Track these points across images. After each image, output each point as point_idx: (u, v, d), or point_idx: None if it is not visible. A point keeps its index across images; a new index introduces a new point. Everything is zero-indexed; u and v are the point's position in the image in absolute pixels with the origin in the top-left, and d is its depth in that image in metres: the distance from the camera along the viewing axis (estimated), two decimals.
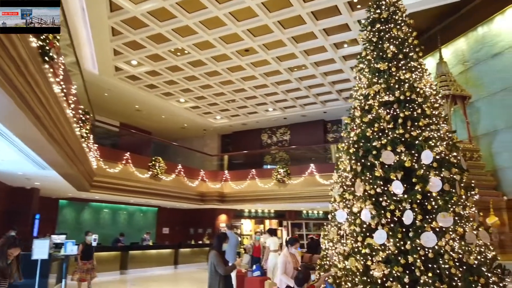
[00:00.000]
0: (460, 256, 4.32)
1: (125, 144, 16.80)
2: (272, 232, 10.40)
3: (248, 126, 20.17)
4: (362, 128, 5.40)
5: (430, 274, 4.24)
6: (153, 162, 14.37)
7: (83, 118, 8.58)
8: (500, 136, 9.01)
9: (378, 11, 6.00)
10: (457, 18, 10.20)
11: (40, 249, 7.11)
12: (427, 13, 9.62)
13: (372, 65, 5.71)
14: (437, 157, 4.78)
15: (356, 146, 5.38)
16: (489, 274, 4.43)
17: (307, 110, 17.42)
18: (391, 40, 5.71)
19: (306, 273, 4.71)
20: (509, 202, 7.91)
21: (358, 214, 4.99)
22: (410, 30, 5.90)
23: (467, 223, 4.67)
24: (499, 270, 4.68)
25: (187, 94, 15.52)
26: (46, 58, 4.53)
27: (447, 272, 4.22)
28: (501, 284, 4.52)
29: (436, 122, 5.22)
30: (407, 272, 4.37)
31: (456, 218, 4.54)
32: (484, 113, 9.44)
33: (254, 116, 18.67)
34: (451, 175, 4.75)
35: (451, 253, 4.30)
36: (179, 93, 15.42)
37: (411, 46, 5.73)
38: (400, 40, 5.69)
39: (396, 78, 5.44)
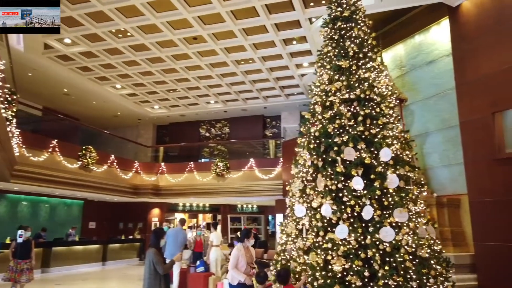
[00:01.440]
0: (414, 249, 4.54)
1: (48, 130, 15.30)
2: (216, 226, 10.21)
3: (186, 117, 19.55)
4: (323, 124, 5.44)
5: (387, 268, 4.39)
6: (83, 152, 13.37)
7: (9, 99, 7.58)
8: (431, 138, 9.72)
9: (340, 9, 6.08)
10: (397, 25, 10.78)
11: None
12: (371, 17, 10.01)
13: (333, 62, 5.77)
14: (393, 154, 4.97)
15: (317, 141, 5.40)
16: (438, 267, 4.74)
17: (249, 104, 17.36)
18: (352, 39, 5.82)
19: (284, 272, 4.65)
20: (438, 199, 8.58)
21: (318, 209, 5.02)
22: (369, 30, 6.07)
23: (418, 218, 4.94)
24: (444, 263, 5.02)
25: (124, 80, 14.53)
26: None
27: (402, 265, 4.41)
28: (444, 275, 4.85)
29: (392, 121, 5.44)
30: (366, 266, 4.49)
31: (409, 213, 4.78)
32: (417, 116, 10.12)
33: (194, 108, 18.13)
34: (405, 173, 4.99)
35: (405, 247, 4.50)
36: (115, 78, 14.37)
37: (370, 46, 5.90)
38: (360, 39, 5.81)
39: (357, 76, 5.54)
